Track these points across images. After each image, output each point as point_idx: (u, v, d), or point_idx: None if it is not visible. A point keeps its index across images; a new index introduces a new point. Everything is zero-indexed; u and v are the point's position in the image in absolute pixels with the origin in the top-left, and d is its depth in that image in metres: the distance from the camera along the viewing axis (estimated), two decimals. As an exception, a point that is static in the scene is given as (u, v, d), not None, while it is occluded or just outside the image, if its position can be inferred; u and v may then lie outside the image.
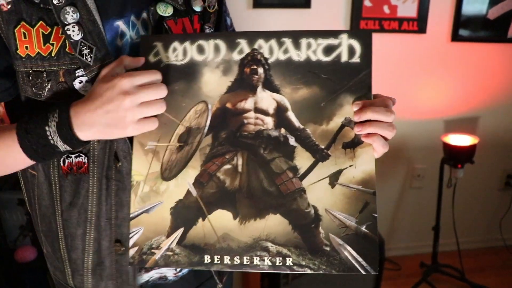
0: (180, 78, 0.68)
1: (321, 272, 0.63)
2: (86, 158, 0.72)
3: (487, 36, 2.15)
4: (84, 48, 0.66)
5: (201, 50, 0.69)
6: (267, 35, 0.68)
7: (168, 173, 0.67)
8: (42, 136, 0.64)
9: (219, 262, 0.64)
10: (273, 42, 0.68)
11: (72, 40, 0.65)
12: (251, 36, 0.68)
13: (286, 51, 0.68)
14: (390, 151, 0.68)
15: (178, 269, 0.84)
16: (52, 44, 0.66)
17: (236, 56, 0.68)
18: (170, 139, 0.68)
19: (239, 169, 0.66)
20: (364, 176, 0.65)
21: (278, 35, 0.68)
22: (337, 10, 2.00)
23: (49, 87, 0.67)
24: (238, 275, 2.16)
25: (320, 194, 0.65)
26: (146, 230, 0.66)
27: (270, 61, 0.68)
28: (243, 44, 0.68)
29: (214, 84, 0.68)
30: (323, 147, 0.66)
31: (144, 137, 0.68)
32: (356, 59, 0.67)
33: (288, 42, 0.68)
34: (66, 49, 0.66)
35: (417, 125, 2.25)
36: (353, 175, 0.65)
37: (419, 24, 2.06)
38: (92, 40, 0.66)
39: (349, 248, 0.63)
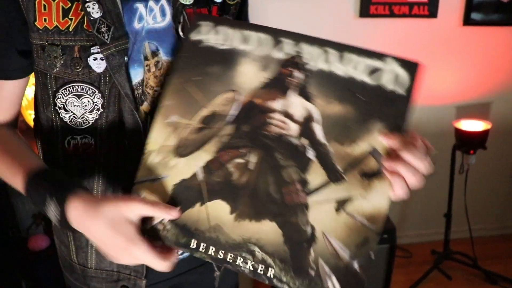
0: (217, 62, 0.68)
1: None
2: (92, 139, 0.72)
3: (500, 20, 2.11)
4: (102, 26, 0.67)
5: (244, 40, 0.68)
6: (312, 40, 0.66)
7: (182, 150, 0.67)
8: (43, 210, 0.65)
9: (203, 250, 0.63)
10: (316, 49, 0.66)
11: (91, 17, 0.66)
12: (296, 38, 0.67)
13: (328, 61, 0.65)
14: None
15: (180, 252, 0.83)
16: (71, 19, 0.67)
17: (278, 54, 0.67)
18: (193, 118, 0.67)
19: (250, 166, 0.65)
20: (373, 212, 0.61)
21: (322, 43, 0.66)
22: (346, -5, 1.98)
23: (62, 61, 0.68)
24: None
25: (323, 215, 0.62)
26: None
27: (311, 68, 0.66)
28: (287, 43, 0.67)
29: (249, 76, 0.67)
30: (340, 168, 0.63)
31: (168, 111, 0.68)
32: (402, 91, 0.63)
33: (331, 52, 0.65)
34: (84, 26, 0.67)
35: (429, 111, 2.22)
36: (362, 206, 0.61)
37: (430, 8, 2.03)
38: (111, 19, 0.67)
39: (334, 280, 0.60)
